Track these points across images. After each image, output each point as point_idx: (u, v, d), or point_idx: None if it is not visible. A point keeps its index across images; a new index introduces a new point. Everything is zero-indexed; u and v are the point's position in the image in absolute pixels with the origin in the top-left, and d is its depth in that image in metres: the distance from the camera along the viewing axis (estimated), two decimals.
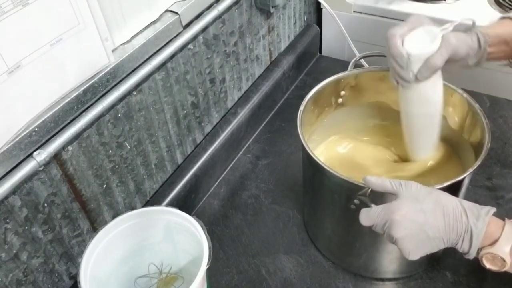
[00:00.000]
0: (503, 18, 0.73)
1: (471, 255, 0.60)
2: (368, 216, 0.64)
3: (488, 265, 0.60)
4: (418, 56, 0.68)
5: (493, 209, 0.60)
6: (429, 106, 0.76)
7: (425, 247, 0.61)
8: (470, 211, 0.59)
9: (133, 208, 0.86)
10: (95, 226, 0.79)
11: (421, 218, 0.60)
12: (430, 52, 0.67)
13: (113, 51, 0.70)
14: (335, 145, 0.94)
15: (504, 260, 0.58)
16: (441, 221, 0.59)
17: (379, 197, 0.65)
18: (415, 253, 0.61)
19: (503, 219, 0.60)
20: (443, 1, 1.21)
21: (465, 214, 0.59)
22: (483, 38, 0.70)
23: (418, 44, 0.68)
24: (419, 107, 0.76)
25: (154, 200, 0.91)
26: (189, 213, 0.73)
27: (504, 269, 0.60)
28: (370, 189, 0.66)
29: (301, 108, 0.80)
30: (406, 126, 0.81)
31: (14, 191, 0.63)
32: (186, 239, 0.74)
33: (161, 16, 0.79)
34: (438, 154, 0.84)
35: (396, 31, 0.69)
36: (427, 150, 0.83)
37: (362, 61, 1.09)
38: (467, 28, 0.71)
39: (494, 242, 0.58)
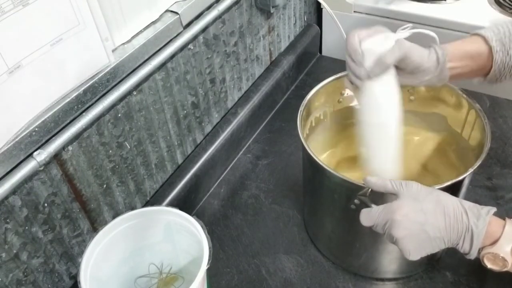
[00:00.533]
0: (473, 34, 0.73)
1: (472, 255, 0.60)
2: (369, 216, 0.64)
3: (489, 265, 0.60)
4: (371, 51, 0.67)
5: (494, 209, 0.60)
6: (383, 114, 0.72)
7: (425, 247, 0.61)
8: (471, 211, 0.59)
9: (133, 208, 0.86)
10: (95, 226, 0.79)
11: (421, 218, 0.60)
12: (383, 50, 0.67)
13: (113, 51, 0.70)
14: (335, 145, 0.94)
15: (505, 260, 0.58)
16: (442, 221, 0.59)
17: (379, 197, 0.65)
18: (416, 253, 0.61)
19: (504, 219, 0.60)
20: (443, 1, 1.21)
21: (466, 214, 0.59)
22: (441, 51, 0.70)
23: (373, 44, 0.68)
24: (372, 114, 0.72)
25: (154, 200, 0.91)
26: (189, 213, 0.73)
27: (505, 269, 0.60)
28: (370, 189, 0.66)
29: (301, 108, 0.80)
30: (361, 139, 0.75)
31: (14, 191, 0.63)
32: (186, 239, 0.74)
33: (161, 16, 0.79)
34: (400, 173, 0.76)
35: (355, 31, 0.69)
36: (384, 169, 0.74)
37: None
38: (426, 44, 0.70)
39: (495, 241, 0.58)
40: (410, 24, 0.70)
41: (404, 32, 0.69)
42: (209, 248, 0.68)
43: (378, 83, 0.69)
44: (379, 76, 0.68)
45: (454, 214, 0.59)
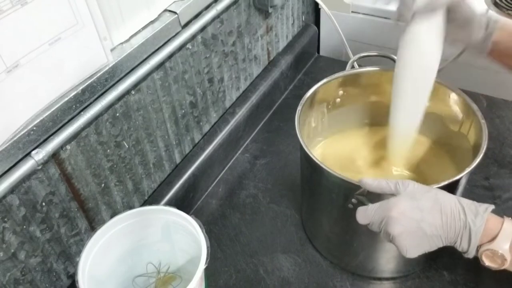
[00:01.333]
0: None
1: (471, 254, 0.60)
2: (365, 214, 0.64)
3: (487, 262, 0.59)
4: None
5: (492, 207, 0.60)
6: (425, 56, 0.72)
7: (422, 245, 0.60)
8: (468, 208, 0.59)
9: (131, 207, 0.86)
10: (93, 225, 0.79)
11: (418, 215, 0.59)
12: None
13: (111, 50, 0.70)
14: (333, 144, 0.94)
15: (504, 257, 0.58)
16: (439, 219, 0.59)
17: (376, 196, 0.65)
18: (413, 251, 0.61)
19: (502, 217, 0.60)
20: None
21: (463, 211, 0.59)
22: (493, 19, 0.70)
23: None
24: (415, 54, 0.73)
25: (152, 199, 0.91)
26: (187, 213, 0.73)
27: (504, 267, 0.59)
28: None
29: (299, 107, 0.81)
30: (397, 85, 0.76)
31: (12, 190, 0.63)
32: (184, 238, 0.74)
33: (159, 15, 0.79)
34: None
35: None
36: (410, 123, 0.78)
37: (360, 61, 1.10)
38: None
39: (493, 238, 0.58)
40: None
41: None
42: (207, 247, 0.68)
43: (426, 24, 0.69)
44: (428, 18, 0.68)
45: (451, 212, 0.59)
